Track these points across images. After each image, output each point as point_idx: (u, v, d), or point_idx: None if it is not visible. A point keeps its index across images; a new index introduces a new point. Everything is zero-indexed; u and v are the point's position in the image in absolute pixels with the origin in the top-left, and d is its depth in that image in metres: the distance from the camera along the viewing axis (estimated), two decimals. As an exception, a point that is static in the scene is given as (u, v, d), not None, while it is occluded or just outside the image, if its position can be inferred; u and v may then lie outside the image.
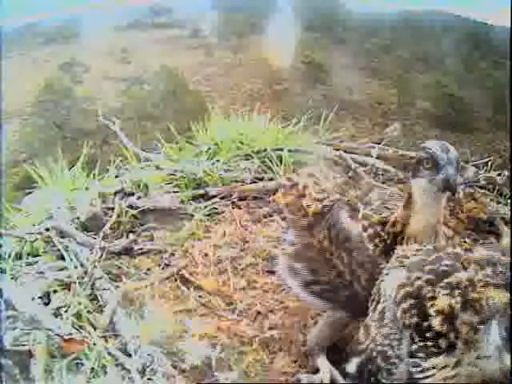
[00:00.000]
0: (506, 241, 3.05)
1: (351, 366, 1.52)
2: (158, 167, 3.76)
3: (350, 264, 1.99)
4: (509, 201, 3.44)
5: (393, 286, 1.51)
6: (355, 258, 1.98)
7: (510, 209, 3.30)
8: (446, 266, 1.47)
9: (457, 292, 1.40)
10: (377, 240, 1.99)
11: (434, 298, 1.42)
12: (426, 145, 1.87)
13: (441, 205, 1.90)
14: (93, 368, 2.06)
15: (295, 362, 2.28)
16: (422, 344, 1.39)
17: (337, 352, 2.29)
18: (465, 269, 1.45)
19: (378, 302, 1.55)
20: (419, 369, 1.38)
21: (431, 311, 1.40)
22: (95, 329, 2.25)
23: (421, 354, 1.39)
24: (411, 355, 1.41)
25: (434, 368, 1.37)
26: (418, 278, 1.47)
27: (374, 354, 1.47)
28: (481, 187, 3.56)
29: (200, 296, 2.62)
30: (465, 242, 3.04)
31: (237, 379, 2.14)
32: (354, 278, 1.96)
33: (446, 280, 1.43)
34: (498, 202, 3.45)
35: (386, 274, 1.58)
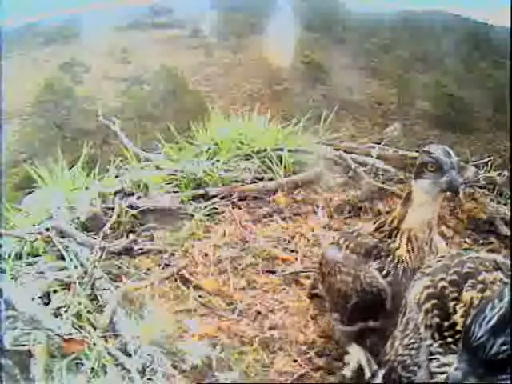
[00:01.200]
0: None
1: (378, 379, 1.58)
2: (158, 167, 3.75)
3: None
4: (509, 201, 3.44)
5: (416, 292, 1.57)
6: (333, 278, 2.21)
7: (510, 209, 3.30)
8: (470, 268, 1.52)
9: (479, 287, 1.44)
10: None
11: (457, 298, 1.46)
12: (430, 149, 1.98)
13: (438, 203, 2.05)
14: (93, 368, 2.05)
15: (295, 361, 2.28)
16: (442, 342, 1.44)
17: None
18: (487, 271, 1.50)
19: (404, 314, 1.60)
20: (437, 363, 1.43)
21: (457, 308, 1.44)
22: (95, 329, 2.24)
23: (441, 350, 1.43)
24: (431, 353, 1.45)
25: (450, 366, 1.38)
26: (442, 279, 1.52)
27: (395, 364, 1.53)
28: (481, 187, 3.56)
29: (200, 296, 2.61)
30: (465, 241, 3.05)
31: (237, 379, 2.13)
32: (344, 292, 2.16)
33: (470, 280, 1.47)
34: (498, 202, 3.45)
35: (412, 286, 1.63)
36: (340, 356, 2.27)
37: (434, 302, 1.49)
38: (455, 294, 1.46)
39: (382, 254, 2.07)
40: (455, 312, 1.44)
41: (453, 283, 1.49)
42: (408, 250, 2.03)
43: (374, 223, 2.20)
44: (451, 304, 1.46)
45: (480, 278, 1.48)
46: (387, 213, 3.23)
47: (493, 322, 1.16)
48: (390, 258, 2.05)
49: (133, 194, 3.28)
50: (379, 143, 4.09)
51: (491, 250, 2.98)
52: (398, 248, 2.05)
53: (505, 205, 3.40)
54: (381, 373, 1.60)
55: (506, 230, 3.12)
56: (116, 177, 3.55)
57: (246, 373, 2.18)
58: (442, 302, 1.47)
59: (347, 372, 2.19)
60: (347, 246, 2.18)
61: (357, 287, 2.08)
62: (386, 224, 2.12)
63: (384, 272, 2.04)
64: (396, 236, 2.07)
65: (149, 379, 2.03)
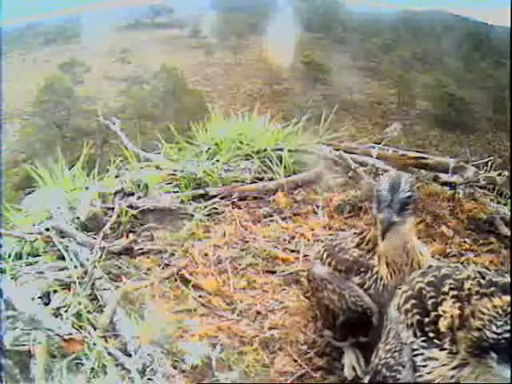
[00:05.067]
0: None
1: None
2: (157, 167, 3.75)
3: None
4: (509, 201, 3.44)
5: (395, 300, 1.63)
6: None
7: (510, 209, 3.29)
8: (447, 271, 1.58)
9: (464, 294, 1.47)
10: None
11: (435, 297, 1.51)
12: (379, 183, 1.97)
13: (404, 229, 2.00)
14: (93, 368, 2.06)
15: (295, 361, 2.28)
16: (425, 337, 1.49)
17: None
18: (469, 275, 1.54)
19: (386, 327, 1.66)
20: (422, 357, 1.47)
21: (439, 309, 1.49)
22: (95, 329, 2.25)
23: (425, 345, 1.48)
24: (414, 350, 1.50)
25: (435, 360, 1.44)
26: (419, 282, 1.57)
27: (379, 367, 1.58)
28: (481, 187, 3.55)
29: (200, 296, 2.61)
30: (465, 242, 3.05)
31: (237, 379, 2.13)
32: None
33: (448, 280, 1.52)
34: (498, 202, 3.44)
35: (393, 302, 1.68)
36: (340, 356, 2.27)
37: (412, 301, 1.55)
38: (433, 294, 1.52)
39: (362, 269, 2.09)
40: (435, 309, 1.49)
41: (430, 284, 1.55)
42: (389, 272, 2.03)
43: (357, 236, 2.20)
44: (430, 302, 1.51)
45: (459, 277, 1.52)
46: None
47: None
48: (369, 274, 2.06)
49: (133, 194, 3.28)
50: (379, 143, 4.08)
51: (491, 250, 2.98)
52: (376, 265, 2.06)
53: (505, 205, 3.40)
54: (366, 378, 1.65)
55: (505, 230, 3.11)
56: (116, 177, 3.54)
57: (246, 373, 2.17)
58: (420, 301, 1.53)
59: (347, 373, 2.19)
60: (330, 263, 2.20)
61: (342, 306, 2.09)
62: (364, 242, 2.13)
63: (365, 286, 2.06)
64: (374, 255, 2.08)
65: (149, 379, 2.03)
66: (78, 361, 2.09)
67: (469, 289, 1.47)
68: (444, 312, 1.47)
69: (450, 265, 1.67)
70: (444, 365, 1.43)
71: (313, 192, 3.59)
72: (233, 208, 3.36)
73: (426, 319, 1.49)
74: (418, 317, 1.51)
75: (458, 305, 1.46)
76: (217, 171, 3.61)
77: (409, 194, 1.92)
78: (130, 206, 3.17)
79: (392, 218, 1.90)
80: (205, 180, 3.56)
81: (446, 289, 1.50)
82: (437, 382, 1.43)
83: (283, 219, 3.30)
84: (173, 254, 2.92)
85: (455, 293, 1.48)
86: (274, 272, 2.82)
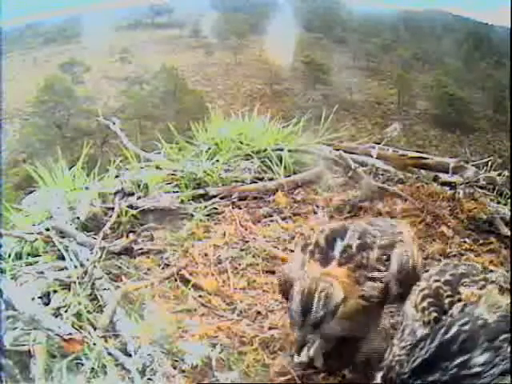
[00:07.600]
0: None
1: (376, 380, 1.64)
2: (158, 167, 3.75)
3: None
4: (509, 201, 3.44)
5: (413, 298, 1.67)
6: None
7: (510, 209, 3.30)
8: (464, 269, 1.64)
9: (481, 284, 1.54)
10: None
11: (452, 295, 1.55)
12: (291, 299, 1.90)
13: None
14: (93, 368, 2.06)
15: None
16: None
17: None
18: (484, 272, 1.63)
19: (401, 324, 1.69)
20: None
21: (453, 304, 1.53)
22: (95, 329, 2.25)
23: None
24: None
25: None
26: (437, 281, 1.62)
27: (393, 363, 1.59)
28: (481, 187, 3.55)
29: (200, 296, 2.61)
30: (465, 242, 3.05)
31: (237, 379, 2.13)
32: None
33: (465, 279, 1.58)
34: (498, 202, 3.45)
35: (408, 300, 1.72)
36: (339, 356, 2.27)
37: (429, 300, 1.58)
38: (449, 293, 1.56)
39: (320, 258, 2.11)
40: (451, 307, 1.52)
41: (447, 283, 1.59)
42: None
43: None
44: (447, 301, 1.55)
45: (477, 278, 1.58)
46: (387, 213, 3.24)
47: (416, 363, 1.25)
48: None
49: (133, 194, 3.28)
50: (379, 143, 4.08)
51: (491, 250, 2.98)
52: None
53: (505, 205, 3.40)
54: (379, 374, 1.65)
55: (505, 230, 3.11)
56: (116, 177, 3.54)
57: (246, 373, 2.17)
58: (437, 300, 1.57)
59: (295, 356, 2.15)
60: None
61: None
62: None
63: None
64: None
65: (149, 379, 2.03)
66: (78, 361, 2.09)
67: (497, 278, 1.54)
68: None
69: (467, 263, 1.70)
70: None
71: (313, 192, 3.59)
72: (233, 208, 3.36)
73: (444, 317, 1.51)
74: (435, 314, 1.54)
75: (480, 284, 1.52)
76: (217, 171, 3.61)
77: (322, 313, 1.82)
78: (130, 206, 3.17)
79: (306, 339, 1.88)
80: (205, 180, 3.55)
81: (462, 289, 1.54)
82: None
83: (283, 219, 3.30)
84: (173, 254, 2.92)
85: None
86: (273, 272, 2.82)
